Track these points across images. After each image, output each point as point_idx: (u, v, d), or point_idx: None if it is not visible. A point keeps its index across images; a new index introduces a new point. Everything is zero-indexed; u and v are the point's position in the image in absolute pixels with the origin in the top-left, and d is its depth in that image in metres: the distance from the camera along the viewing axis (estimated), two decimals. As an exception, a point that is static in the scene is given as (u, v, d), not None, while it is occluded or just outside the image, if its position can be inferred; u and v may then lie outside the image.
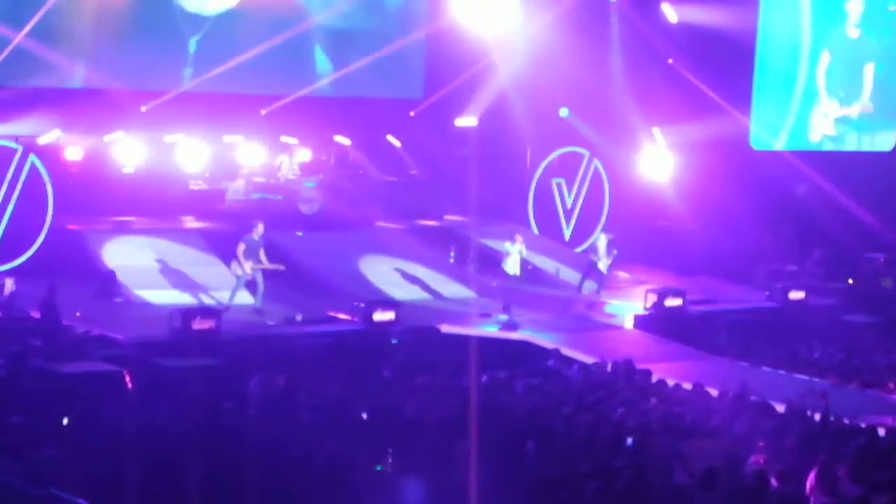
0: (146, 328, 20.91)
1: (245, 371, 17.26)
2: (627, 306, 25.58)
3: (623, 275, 28.11)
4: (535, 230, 29.79)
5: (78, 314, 21.04)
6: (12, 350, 18.39)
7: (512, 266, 24.25)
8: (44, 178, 24.39)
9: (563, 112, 31.00)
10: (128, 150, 27.14)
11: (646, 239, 29.29)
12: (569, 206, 30.73)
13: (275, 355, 19.46)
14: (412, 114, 30.34)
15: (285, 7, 28.21)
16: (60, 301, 20.38)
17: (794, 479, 13.71)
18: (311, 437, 14.16)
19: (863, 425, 16.64)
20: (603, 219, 30.50)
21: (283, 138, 29.08)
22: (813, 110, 33.39)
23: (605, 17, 30.98)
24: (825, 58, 33.15)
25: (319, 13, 28.59)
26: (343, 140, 29.88)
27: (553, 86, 29.46)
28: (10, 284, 21.75)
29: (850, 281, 29.24)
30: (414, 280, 25.83)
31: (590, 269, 26.78)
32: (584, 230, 30.59)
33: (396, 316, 22.45)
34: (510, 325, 23.25)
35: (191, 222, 27.05)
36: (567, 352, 21.47)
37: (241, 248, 22.70)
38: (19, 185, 24.20)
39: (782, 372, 21.87)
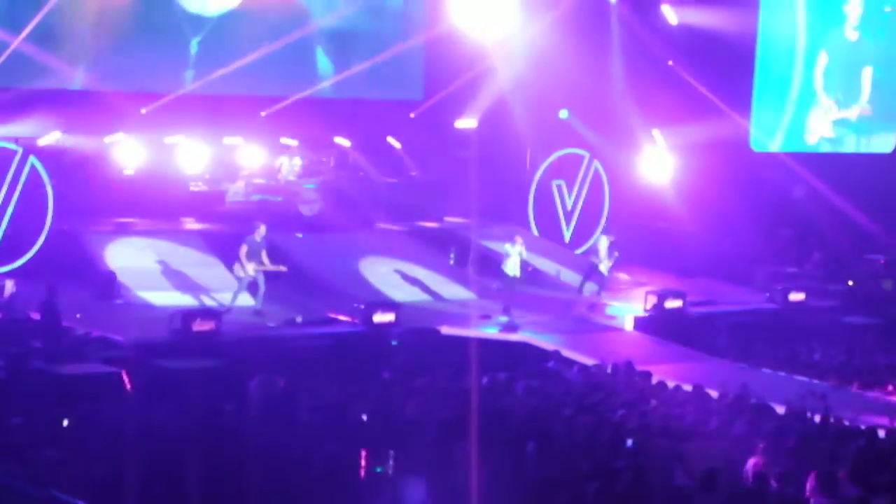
0: (146, 330, 20.90)
1: (245, 372, 17.25)
2: (627, 308, 25.57)
3: (623, 276, 28.11)
4: (536, 232, 29.81)
5: (78, 316, 21.04)
6: (12, 351, 18.38)
7: (512, 267, 24.26)
8: (44, 180, 24.39)
9: (563, 114, 31.01)
10: (128, 152, 27.16)
11: (646, 240, 29.30)
12: (569, 207, 30.74)
13: (275, 357, 19.44)
14: (412, 115, 30.36)
15: (286, 9, 28.23)
16: (60, 303, 20.36)
17: (793, 481, 13.70)
18: (311, 438, 14.17)
19: (863, 427, 16.63)
20: (603, 220, 30.50)
21: (284, 140, 29.10)
22: (812, 112, 33.41)
23: (605, 18, 31.00)
24: (823, 60, 33.18)
25: (320, 15, 28.61)
26: (343, 141, 29.91)
27: (553, 87, 29.47)
28: (10, 286, 21.76)
29: (850, 283, 29.23)
30: (414, 281, 25.84)
31: (591, 271, 26.78)
32: (584, 232, 30.59)
33: (396, 317, 22.45)
34: (510, 327, 23.26)
35: (191, 224, 27.06)
36: (567, 353, 21.47)
37: (244, 249, 22.72)
38: (19, 187, 24.21)
39: (782, 373, 21.87)
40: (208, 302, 23.21)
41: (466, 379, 17.57)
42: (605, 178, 31.05)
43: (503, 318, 23.68)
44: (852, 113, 33.52)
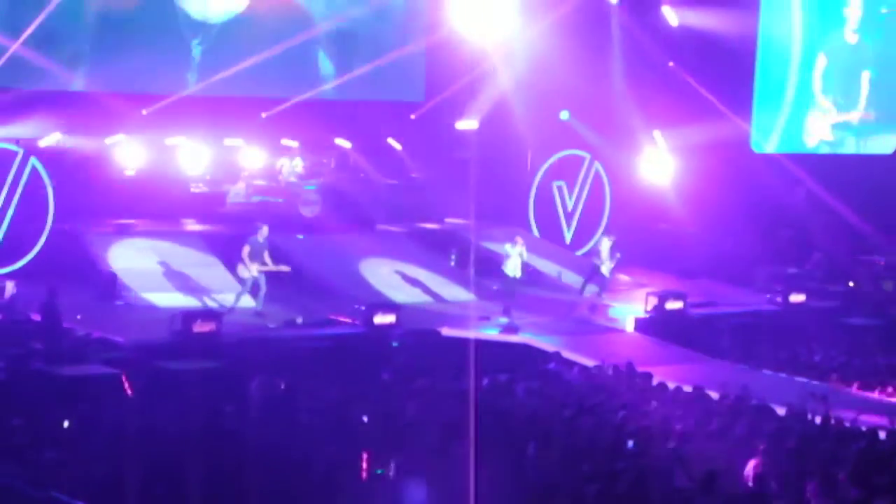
0: (147, 331, 20.91)
1: (246, 374, 17.26)
2: (628, 309, 25.56)
3: (624, 278, 28.11)
4: (536, 233, 29.80)
5: (79, 317, 21.04)
6: (13, 353, 18.39)
7: (512, 268, 24.26)
8: (45, 181, 24.39)
9: (564, 115, 31.02)
10: (129, 153, 27.17)
11: (646, 242, 29.29)
12: (569, 209, 30.74)
13: (275, 358, 19.45)
14: (413, 117, 30.36)
15: (289, 14, 28.24)
16: (61, 304, 20.37)
17: (794, 483, 13.70)
18: (311, 439, 14.17)
19: (863, 428, 16.62)
20: (604, 222, 30.50)
21: (284, 141, 29.11)
22: (812, 115, 33.42)
23: (606, 20, 30.99)
24: (823, 63, 33.18)
25: (323, 20, 28.63)
26: (344, 143, 29.91)
27: (554, 89, 29.48)
28: (10, 287, 21.77)
29: (851, 284, 29.22)
30: (414, 283, 25.84)
31: (592, 273, 26.77)
32: (584, 233, 30.60)
33: (397, 319, 22.45)
34: (511, 328, 23.25)
35: (192, 225, 27.06)
36: (568, 355, 21.47)
37: (246, 250, 22.74)
38: (20, 188, 24.21)
39: (783, 375, 21.87)
40: (209, 303, 23.21)
41: (467, 380, 17.53)
42: (605, 179, 31.06)
43: (504, 320, 23.68)
44: (852, 117, 33.52)
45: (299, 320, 22.32)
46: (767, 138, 33.16)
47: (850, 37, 33.39)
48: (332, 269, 25.54)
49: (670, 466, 14.21)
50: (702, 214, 29.97)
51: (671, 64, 31.30)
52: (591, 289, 26.67)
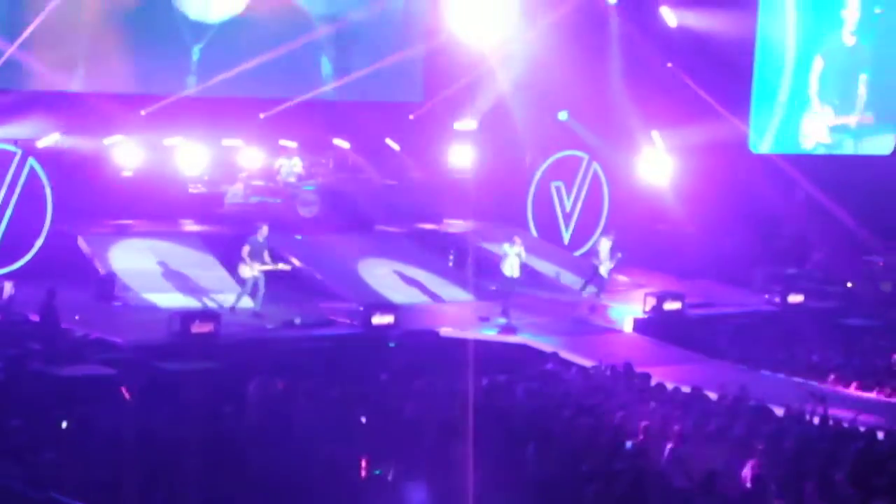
0: (145, 331, 20.91)
1: (244, 374, 17.23)
2: (626, 310, 25.56)
3: (622, 278, 28.10)
4: (535, 233, 29.80)
5: (77, 317, 21.03)
6: (11, 353, 18.38)
7: (510, 268, 24.25)
8: (43, 182, 24.38)
9: (563, 115, 31.03)
10: (127, 154, 27.16)
11: (645, 242, 29.28)
12: (568, 209, 30.74)
13: (274, 359, 19.46)
14: (412, 117, 30.36)
15: (288, 15, 28.23)
16: (59, 304, 20.37)
17: (792, 483, 13.70)
18: (309, 440, 14.16)
19: (862, 429, 16.63)
20: (602, 222, 30.50)
21: (282, 142, 29.10)
22: (809, 116, 33.43)
23: (604, 20, 31.00)
24: (820, 64, 33.19)
25: (322, 21, 28.63)
26: (342, 143, 29.90)
27: (552, 89, 29.50)
28: (9, 288, 21.75)
29: (849, 284, 29.23)
30: (413, 283, 25.84)
31: (593, 274, 26.75)
32: (583, 234, 30.60)
33: (395, 319, 22.46)
34: (509, 329, 23.26)
35: (190, 226, 27.06)
36: (566, 355, 21.47)
37: (246, 249, 22.76)
38: (18, 189, 24.20)
39: (781, 375, 21.88)
40: (208, 304, 23.20)
41: (465, 381, 17.54)
42: (604, 179, 31.05)
43: (502, 320, 23.69)
44: (851, 120, 33.54)
45: (297, 321, 22.32)
46: (765, 139, 33.18)
47: (848, 39, 33.42)
48: (330, 270, 25.54)
49: (669, 467, 14.22)
50: (700, 215, 29.98)
51: (669, 65, 31.31)
52: (591, 289, 26.67)
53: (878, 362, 22.97)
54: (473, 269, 26.64)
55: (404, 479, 13.24)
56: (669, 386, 18.72)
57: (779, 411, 17.45)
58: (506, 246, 24.52)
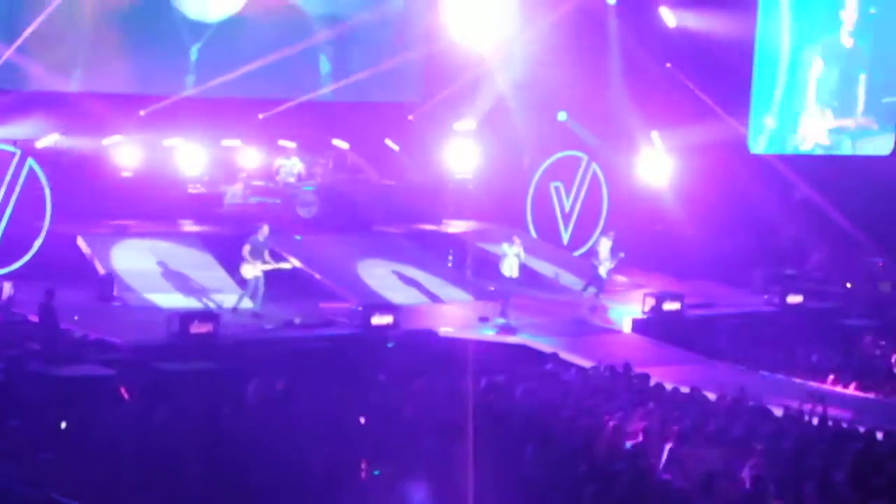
0: (144, 332, 20.91)
1: (243, 375, 17.25)
2: (626, 310, 25.57)
3: (621, 279, 28.10)
4: (534, 234, 29.80)
5: (76, 318, 21.03)
6: (10, 354, 18.37)
7: (509, 269, 24.25)
8: (42, 182, 24.38)
9: (562, 116, 31.03)
10: (126, 154, 27.16)
11: (644, 243, 29.29)
12: (567, 209, 30.74)
13: (273, 359, 19.46)
14: (411, 118, 30.37)
15: (287, 15, 28.24)
16: (58, 305, 20.36)
17: (791, 484, 13.70)
18: (308, 440, 14.16)
19: (861, 429, 16.63)
20: (601, 223, 30.50)
21: (281, 142, 29.10)
22: (809, 117, 33.44)
23: (603, 21, 31.01)
24: (820, 65, 33.21)
25: (321, 21, 28.64)
26: (341, 144, 29.90)
27: (551, 90, 29.50)
28: (8, 288, 21.74)
29: (849, 284, 29.24)
30: (412, 284, 25.84)
31: (594, 274, 26.72)
32: (582, 234, 30.60)
33: (394, 320, 22.46)
34: (508, 329, 23.26)
35: (189, 226, 27.05)
36: (565, 355, 21.48)
37: (247, 248, 22.77)
38: (18, 189, 24.20)
39: (780, 376, 21.88)
40: (208, 304, 23.20)
41: (464, 381, 17.56)
42: (603, 180, 31.06)
43: (501, 321, 23.69)
44: (849, 122, 33.57)
45: (297, 321, 22.33)
46: (764, 140, 33.19)
47: (846, 40, 33.43)
48: (329, 270, 25.53)
49: (668, 467, 14.22)
50: (699, 215, 29.99)
51: (668, 65, 31.31)
52: (592, 290, 26.65)
53: (878, 362, 22.98)
54: (472, 269, 26.65)
55: (403, 479, 13.24)
56: (668, 386, 18.72)
57: (778, 412, 17.46)
58: (505, 246, 24.52)
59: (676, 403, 17.68)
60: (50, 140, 25.80)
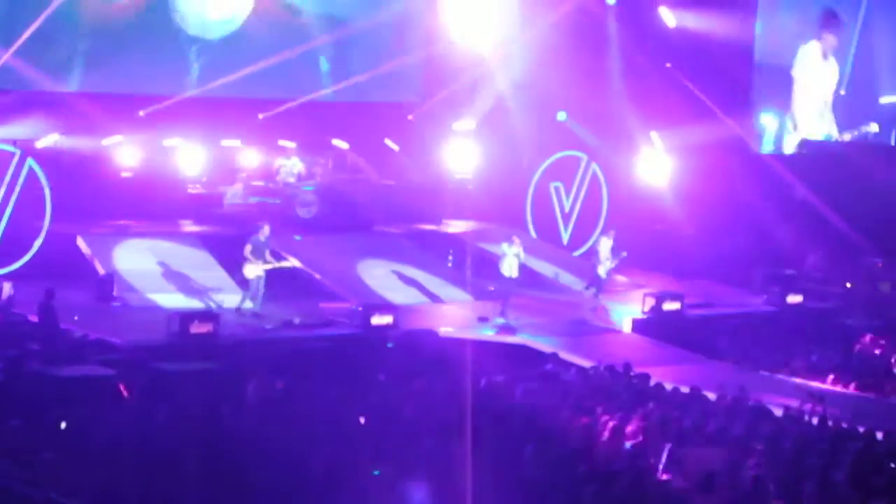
0: (144, 332, 20.91)
1: (243, 375, 17.26)
2: (625, 310, 25.57)
3: (621, 279, 28.11)
4: (534, 234, 29.80)
5: (76, 318, 21.03)
6: (10, 354, 18.36)
7: (508, 268, 24.25)
8: (42, 182, 24.38)
9: (561, 116, 31.03)
10: (126, 154, 27.16)
11: (644, 243, 29.29)
12: (567, 209, 30.75)
13: (273, 359, 19.45)
14: (410, 118, 30.37)
15: (287, 21, 28.27)
16: (58, 305, 20.36)
17: (791, 484, 13.71)
18: (309, 440, 14.17)
19: (861, 429, 16.63)
20: (601, 222, 30.50)
21: (281, 142, 29.10)
22: (808, 117, 33.48)
23: (603, 21, 31.01)
24: (819, 65, 33.25)
25: (321, 25, 28.67)
26: (341, 144, 29.90)
27: (551, 90, 29.50)
28: (7, 288, 21.73)
29: (848, 284, 29.24)
30: (412, 284, 25.84)
31: (594, 274, 26.72)
32: (582, 234, 30.60)
33: (394, 320, 22.47)
34: (507, 329, 23.26)
35: (189, 226, 27.05)
36: (565, 355, 21.47)
37: (248, 248, 22.78)
38: (17, 189, 24.20)
39: (780, 375, 21.89)
40: (210, 304, 23.20)
41: (464, 381, 17.55)
42: (602, 180, 31.06)
43: (501, 320, 23.68)
44: (845, 138, 33.67)
45: (296, 321, 22.34)
46: (764, 139, 33.21)
47: (846, 40, 33.49)
48: (329, 270, 25.53)
49: (668, 467, 14.22)
50: (699, 215, 30.00)
51: (668, 65, 31.31)
52: (593, 290, 26.64)
53: (877, 362, 22.98)
54: (472, 269, 26.65)
55: (403, 479, 13.24)
56: (668, 386, 18.73)
57: (778, 411, 17.47)
58: (504, 246, 24.52)
59: (676, 403, 17.68)
60: (50, 140, 25.80)
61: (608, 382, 19.02)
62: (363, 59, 29.01)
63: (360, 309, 22.62)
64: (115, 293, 23.26)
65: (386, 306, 23.27)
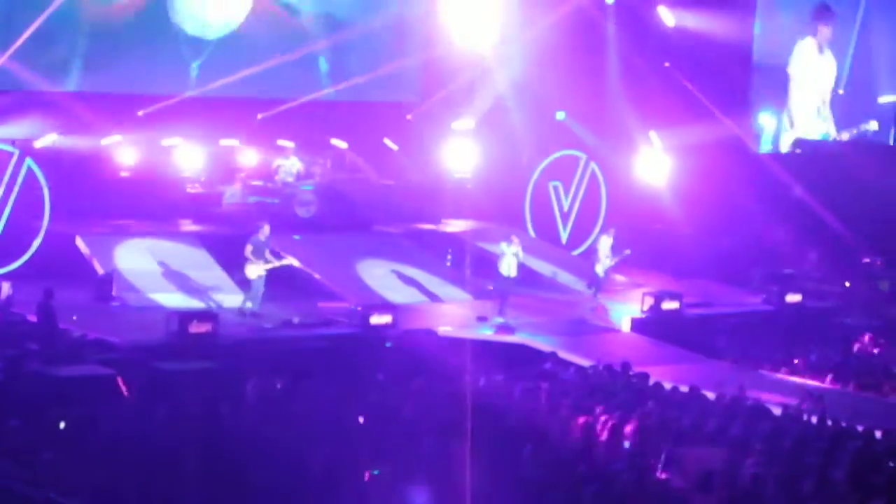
0: (143, 332, 20.91)
1: (242, 374, 17.26)
2: (624, 309, 25.58)
3: (620, 278, 28.11)
4: (532, 233, 29.80)
5: (75, 318, 21.02)
6: (9, 354, 18.36)
7: (507, 268, 24.26)
8: (40, 182, 24.38)
9: (560, 115, 31.03)
10: (125, 154, 27.15)
11: (643, 242, 29.25)
12: (565, 209, 30.74)
13: (272, 358, 19.46)
14: (409, 117, 30.37)
15: (286, 24, 28.27)
16: (57, 305, 20.35)
17: (790, 483, 13.71)
18: (308, 440, 14.17)
19: (859, 428, 16.64)
20: (600, 222, 30.50)
21: (280, 142, 29.10)
22: (806, 116, 33.48)
23: (602, 20, 31.02)
24: (818, 66, 33.25)
25: (320, 27, 28.66)
26: (340, 143, 29.89)
27: (550, 89, 29.49)
28: (6, 288, 21.72)
29: (847, 284, 29.25)
30: (411, 283, 25.84)
31: (593, 272, 26.72)
32: (580, 233, 30.60)
33: (393, 319, 22.47)
34: (506, 328, 23.26)
35: (188, 226, 27.04)
36: (564, 355, 21.48)
37: (249, 249, 22.78)
38: (16, 189, 24.20)
39: (779, 375, 21.89)
40: (210, 304, 23.20)
41: (463, 380, 17.56)
42: (601, 179, 31.06)
43: (499, 320, 23.68)
44: (843, 137, 33.67)
45: (296, 320, 22.34)
46: (763, 139, 33.21)
47: (845, 39, 33.49)
48: (328, 270, 25.52)
49: (667, 467, 14.22)
50: (698, 214, 30.00)
51: (667, 65, 31.31)
52: (592, 288, 26.63)
53: (876, 362, 22.99)
54: (471, 268, 26.65)
55: (402, 479, 13.24)
56: (667, 385, 18.74)
57: (776, 411, 17.48)
58: (503, 245, 24.53)
59: (675, 403, 17.69)
60: (48, 140, 25.79)
61: (607, 382, 19.03)
62: (362, 58, 28.99)
63: (359, 308, 22.62)
64: (113, 293, 23.25)
65: (385, 306, 23.28)
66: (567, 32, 28.99)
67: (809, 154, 33.14)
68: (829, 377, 21.44)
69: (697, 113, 30.74)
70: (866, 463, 14.57)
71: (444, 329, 22.77)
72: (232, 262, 23.72)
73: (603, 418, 15.89)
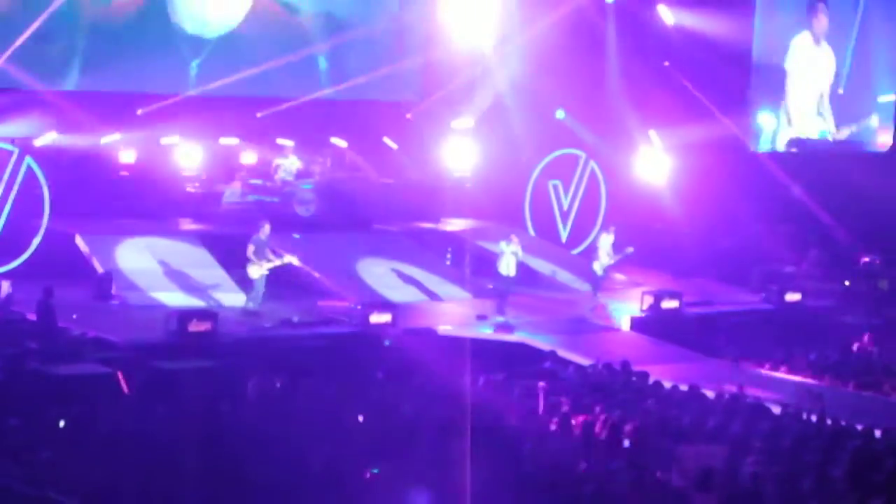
0: (143, 330, 20.91)
1: (242, 373, 17.26)
2: (624, 308, 25.58)
3: (620, 277, 28.11)
4: (532, 232, 29.80)
5: (74, 316, 21.03)
6: (9, 352, 18.37)
7: (506, 267, 24.26)
8: (40, 180, 24.38)
9: (560, 114, 31.03)
10: (124, 153, 27.14)
11: (642, 241, 29.21)
12: (565, 208, 30.74)
13: (272, 357, 19.47)
14: (409, 116, 30.36)
15: (285, 24, 28.26)
16: (57, 303, 20.36)
17: (789, 481, 13.72)
18: (307, 438, 14.17)
19: (859, 427, 16.64)
20: (599, 221, 30.50)
21: (280, 141, 29.08)
22: (806, 116, 33.48)
23: (602, 18, 31.02)
24: (818, 65, 33.26)
25: (319, 27, 28.65)
26: (339, 142, 29.88)
27: (549, 88, 29.49)
28: (6, 287, 21.74)
29: (847, 282, 29.25)
30: (410, 282, 25.84)
31: (592, 271, 26.69)
32: (580, 232, 30.60)
33: (393, 318, 22.47)
34: (506, 327, 23.26)
35: (187, 224, 27.04)
36: (563, 353, 21.49)
37: (251, 248, 22.78)
38: (16, 187, 24.20)
39: (779, 373, 21.90)
40: (211, 302, 23.20)
41: (463, 379, 17.57)
42: (601, 178, 31.06)
43: (499, 319, 23.68)
44: (842, 134, 33.66)
45: (295, 319, 22.34)
46: (762, 138, 33.21)
47: (844, 38, 33.48)
48: (327, 269, 25.52)
49: (666, 465, 14.23)
50: (697, 213, 29.99)
51: (666, 64, 31.31)
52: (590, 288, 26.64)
53: (876, 360, 22.99)
54: (471, 267, 26.65)
55: (401, 478, 13.25)
56: (667, 384, 18.75)
57: (776, 409, 17.48)
58: (502, 244, 24.53)
59: (675, 401, 17.70)
60: (48, 138, 25.78)
61: (606, 380, 19.04)
62: (362, 58, 28.97)
63: (359, 307, 22.63)
64: (113, 291, 23.26)
65: (384, 304, 23.28)
66: (567, 32, 28.98)
67: (809, 153, 33.14)
68: (828, 376, 21.44)
69: (697, 112, 30.74)
70: (866, 461, 14.58)
71: (444, 328, 22.78)
72: (232, 261, 23.72)
73: (602, 417, 15.90)
